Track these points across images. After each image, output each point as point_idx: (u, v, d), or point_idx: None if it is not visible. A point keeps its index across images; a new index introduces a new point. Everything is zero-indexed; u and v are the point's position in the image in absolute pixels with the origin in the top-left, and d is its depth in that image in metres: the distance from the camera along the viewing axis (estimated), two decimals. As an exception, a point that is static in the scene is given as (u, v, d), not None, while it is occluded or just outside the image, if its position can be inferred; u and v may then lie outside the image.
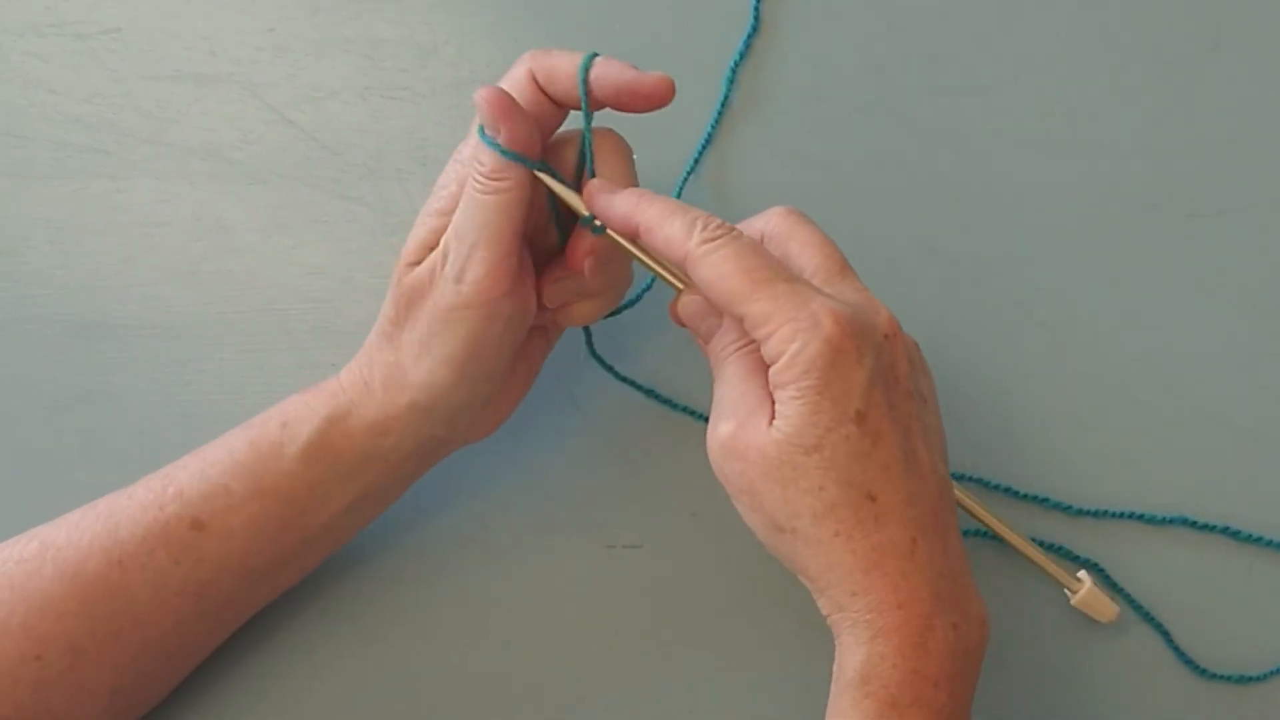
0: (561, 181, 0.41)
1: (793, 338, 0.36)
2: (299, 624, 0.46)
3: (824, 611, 0.39)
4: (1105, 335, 0.51)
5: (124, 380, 0.49)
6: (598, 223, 0.41)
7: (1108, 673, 0.47)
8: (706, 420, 0.48)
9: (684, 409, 0.49)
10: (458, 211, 0.40)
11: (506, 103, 0.38)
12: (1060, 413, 0.50)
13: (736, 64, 0.42)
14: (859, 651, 0.37)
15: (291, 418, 0.41)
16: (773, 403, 0.38)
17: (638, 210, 0.39)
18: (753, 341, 0.39)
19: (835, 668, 0.39)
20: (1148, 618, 0.48)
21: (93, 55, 0.53)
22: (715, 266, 0.37)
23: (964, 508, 0.44)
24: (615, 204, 0.40)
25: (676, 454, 0.49)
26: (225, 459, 0.41)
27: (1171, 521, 0.48)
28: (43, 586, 0.39)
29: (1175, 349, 0.51)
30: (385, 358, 0.41)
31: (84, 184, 0.52)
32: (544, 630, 0.47)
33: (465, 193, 0.39)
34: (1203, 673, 0.47)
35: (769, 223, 0.42)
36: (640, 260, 0.41)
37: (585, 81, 0.39)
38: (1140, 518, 0.49)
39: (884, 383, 0.37)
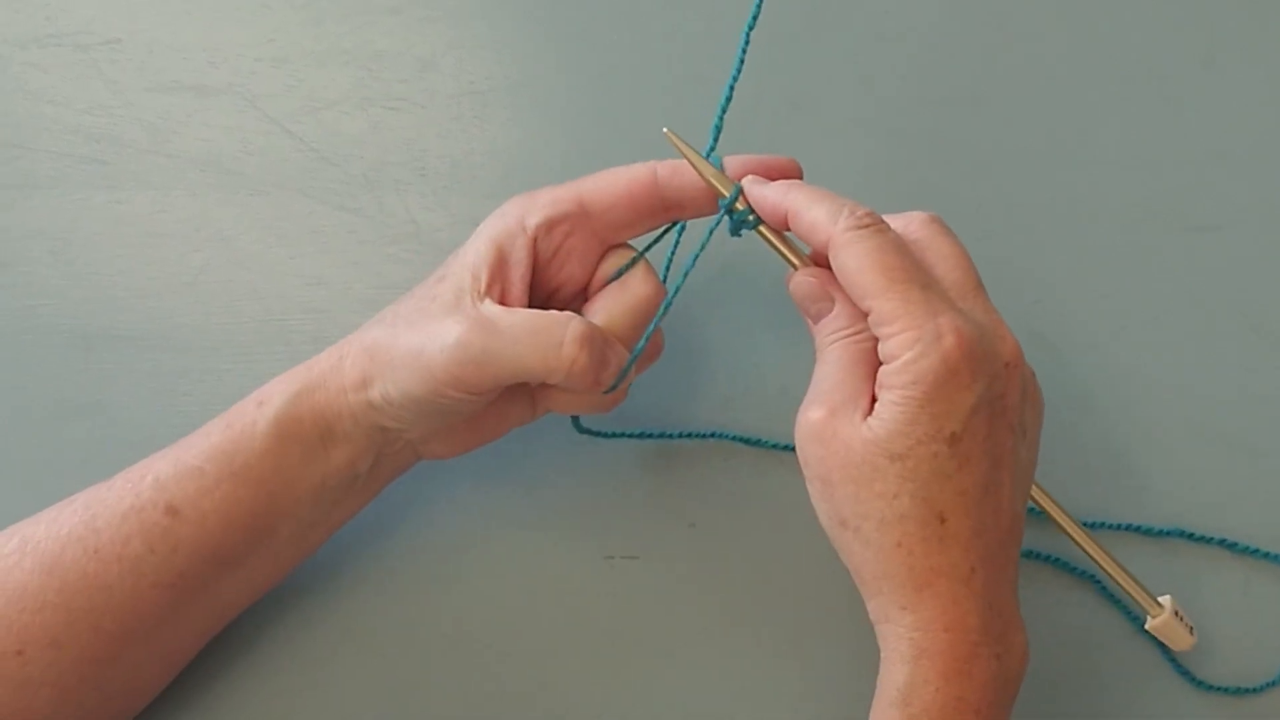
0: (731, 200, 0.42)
1: (911, 345, 0.36)
2: (293, 631, 0.46)
3: (871, 617, 0.39)
4: (1099, 347, 0.51)
5: (124, 391, 0.50)
6: (751, 217, 0.41)
7: (1105, 684, 0.47)
8: (705, 438, 0.49)
9: (680, 435, 0.49)
10: (526, 320, 0.39)
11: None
12: (1056, 426, 0.49)
13: (724, 107, 0.43)
14: (902, 669, 0.37)
15: (267, 395, 0.41)
16: (871, 399, 0.38)
17: (787, 197, 0.40)
18: (861, 331, 0.39)
19: (879, 678, 0.39)
20: (1145, 630, 0.48)
21: (93, 66, 0.53)
22: (856, 256, 0.37)
23: (1055, 520, 0.44)
24: (767, 192, 0.41)
25: (675, 465, 0.49)
26: (201, 442, 0.41)
27: (1168, 534, 0.48)
28: (22, 579, 0.39)
29: (1170, 361, 0.51)
30: (373, 333, 0.41)
31: (84, 195, 0.52)
32: (542, 640, 0.47)
33: (543, 318, 0.40)
34: (1200, 684, 0.47)
35: (908, 226, 0.41)
36: (769, 242, 0.42)
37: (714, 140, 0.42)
38: (1137, 530, 0.49)
39: (989, 412, 0.37)
